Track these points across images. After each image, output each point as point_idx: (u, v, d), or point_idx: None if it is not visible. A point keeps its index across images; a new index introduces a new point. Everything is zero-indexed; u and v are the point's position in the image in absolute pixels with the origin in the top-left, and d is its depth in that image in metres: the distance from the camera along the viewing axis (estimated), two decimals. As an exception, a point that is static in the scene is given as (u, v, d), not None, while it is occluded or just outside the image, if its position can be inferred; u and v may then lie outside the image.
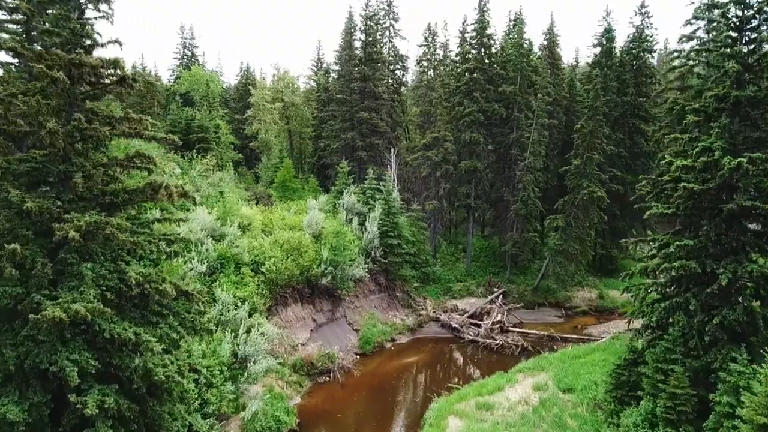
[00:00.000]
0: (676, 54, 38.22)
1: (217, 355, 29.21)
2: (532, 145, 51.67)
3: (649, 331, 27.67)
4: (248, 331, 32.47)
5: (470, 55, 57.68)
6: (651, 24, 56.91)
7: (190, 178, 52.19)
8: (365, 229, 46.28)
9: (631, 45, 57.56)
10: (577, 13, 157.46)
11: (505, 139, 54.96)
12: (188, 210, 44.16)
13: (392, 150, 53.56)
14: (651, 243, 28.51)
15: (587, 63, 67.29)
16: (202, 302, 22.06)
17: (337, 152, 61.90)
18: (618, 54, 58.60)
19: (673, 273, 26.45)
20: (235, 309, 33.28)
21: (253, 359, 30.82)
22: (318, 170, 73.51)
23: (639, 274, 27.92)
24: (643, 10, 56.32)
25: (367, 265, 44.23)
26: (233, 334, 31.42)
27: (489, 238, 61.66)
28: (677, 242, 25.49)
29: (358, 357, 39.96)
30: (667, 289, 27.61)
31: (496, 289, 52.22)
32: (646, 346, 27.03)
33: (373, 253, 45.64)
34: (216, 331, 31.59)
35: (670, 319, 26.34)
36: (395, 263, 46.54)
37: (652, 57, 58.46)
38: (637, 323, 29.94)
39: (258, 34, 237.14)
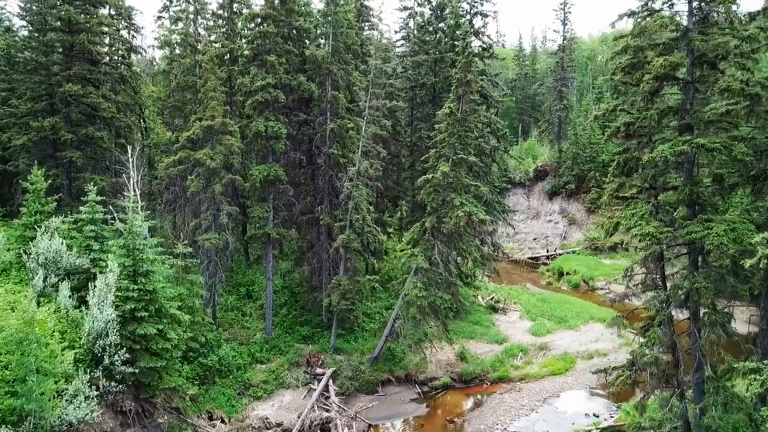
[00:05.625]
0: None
1: None
2: (366, 142, 33.48)
3: None
4: None
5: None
6: (486, -18, 43.20)
7: None
8: (88, 310, 23.22)
9: (461, 4, 43.01)
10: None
11: (317, 131, 35.84)
12: None
13: (131, 149, 30.59)
14: None
15: (396, 30, 51.55)
16: None
17: (26, 152, 36.14)
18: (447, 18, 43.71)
19: None
20: None
21: None
22: (-5, 181, 45.46)
23: None
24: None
25: (94, 390, 21.59)
26: None
27: (288, 273, 41.57)
28: None
29: None
30: None
31: (320, 370, 33.06)
32: None
33: (107, 357, 22.94)
34: None
35: None
36: (153, 370, 24.33)
37: (487, 22, 44.84)
38: None
39: None
